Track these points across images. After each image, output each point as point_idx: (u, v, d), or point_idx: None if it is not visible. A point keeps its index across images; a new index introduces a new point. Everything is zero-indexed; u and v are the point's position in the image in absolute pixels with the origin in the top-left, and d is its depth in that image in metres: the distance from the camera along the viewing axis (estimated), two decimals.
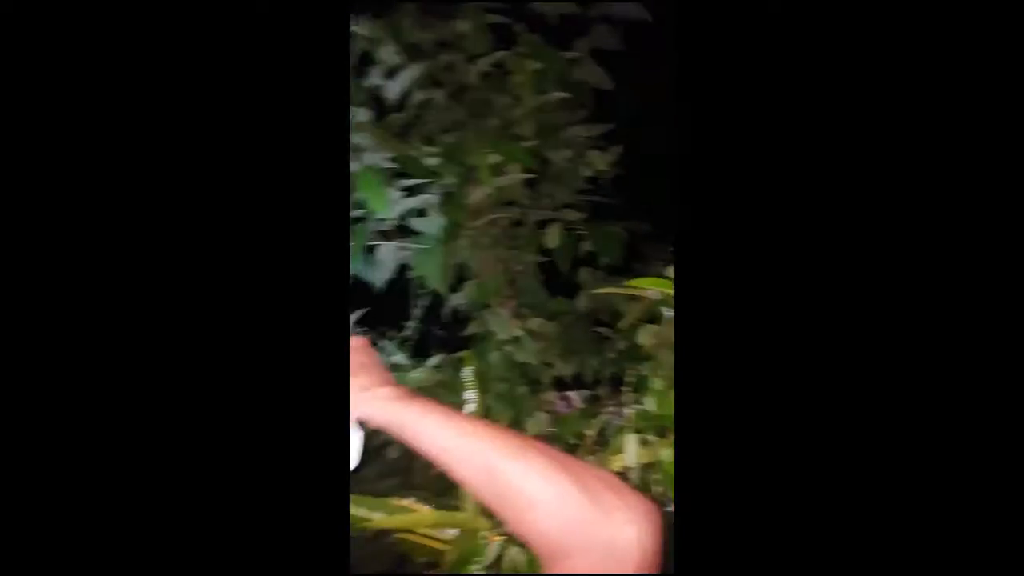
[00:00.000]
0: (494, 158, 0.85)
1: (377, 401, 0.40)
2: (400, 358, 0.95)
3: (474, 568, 0.62)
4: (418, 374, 0.93)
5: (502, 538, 0.63)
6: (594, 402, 0.91)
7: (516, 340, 0.89)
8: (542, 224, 0.99)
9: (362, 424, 0.42)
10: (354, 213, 0.88)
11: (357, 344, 0.44)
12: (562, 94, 0.93)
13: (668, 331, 0.77)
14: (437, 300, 1.02)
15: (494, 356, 0.91)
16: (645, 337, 0.78)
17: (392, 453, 0.92)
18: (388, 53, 0.95)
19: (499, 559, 0.64)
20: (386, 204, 0.80)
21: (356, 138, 0.92)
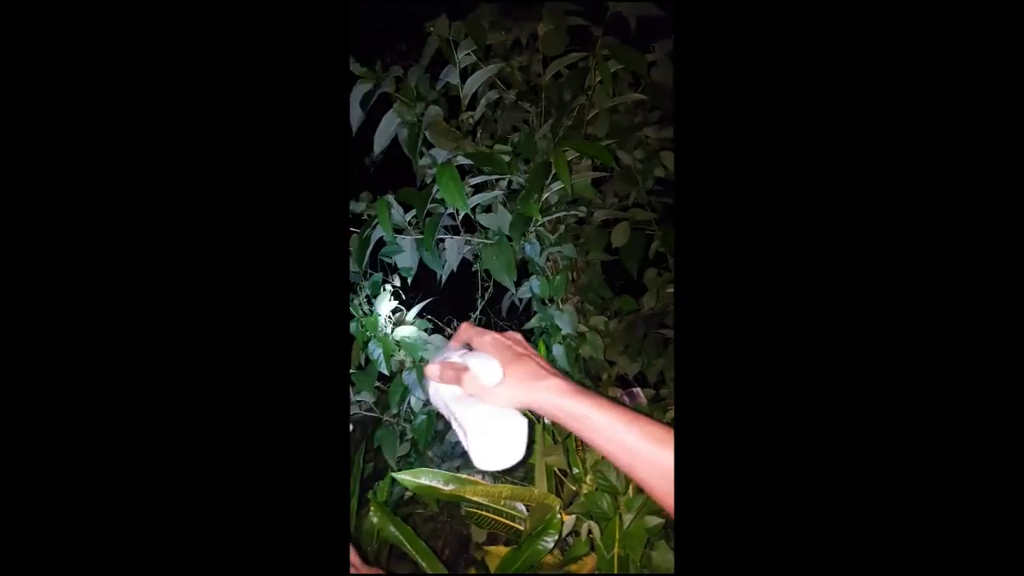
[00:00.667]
0: (569, 155, 0.86)
1: (549, 393, 0.40)
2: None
3: (547, 542, 0.62)
4: None
5: (573, 516, 0.63)
6: (657, 403, 0.90)
7: (581, 336, 0.89)
8: (610, 223, 1.00)
9: (529, 415, 0.42)
10: (429, 207, 0.91)
11: (514, 337, 0.45)
12: (638, 96, 0.93)
13: None
14: (499, 293, 1.04)
15: (557, 350, 0.91)
16: None
17: (453, 437, 0.94)
18: (464, 53, 0.98)
19: (571, 534, 0.64)
20: (464, 199, 0.82)
21: (428, 135, 0.95)
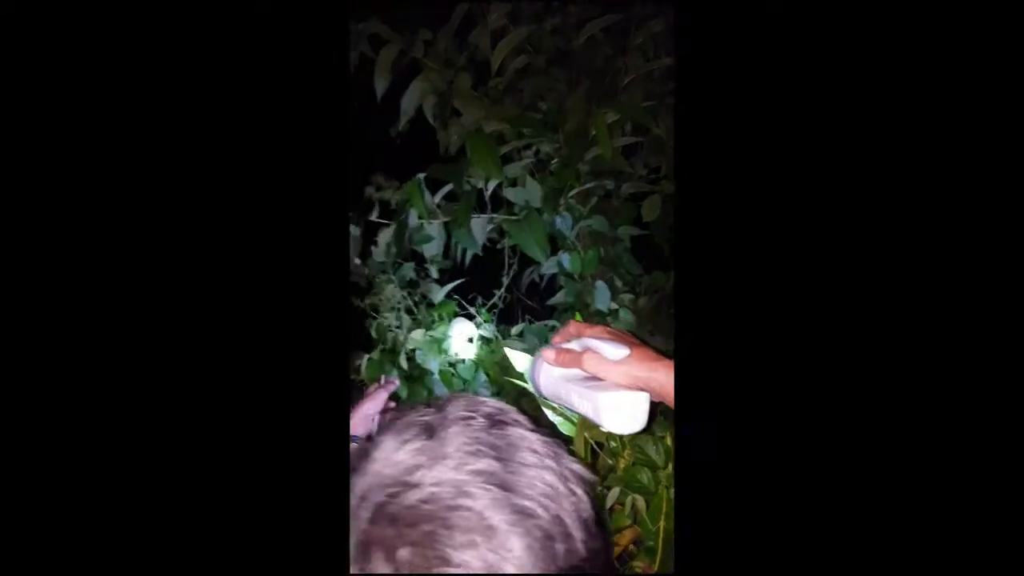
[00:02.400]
0: (608, 118, 0.82)
1: (668, 373, 0.43)
2: (489, 330, 0.95)
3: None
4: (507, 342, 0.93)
5: (616, 488, 0.63)
6: None
7: (613, 312, 0.88)
8: (639, 196, 0.97)
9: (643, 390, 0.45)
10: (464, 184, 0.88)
11: (621, 330, 0.50)
12: (666, 60, 0.89)
13: None
14: (521, 271, 1.02)
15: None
16: None
17: None
18: (493, 18, 0.93)
19: (614, 506, 0.64)
20: (499, 168, 0.80)
21: (457, 103, 0.92)
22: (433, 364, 0.81)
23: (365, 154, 0.89)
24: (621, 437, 0.69)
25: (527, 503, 0.29)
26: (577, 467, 0.32)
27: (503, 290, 0.97)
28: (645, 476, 0.63)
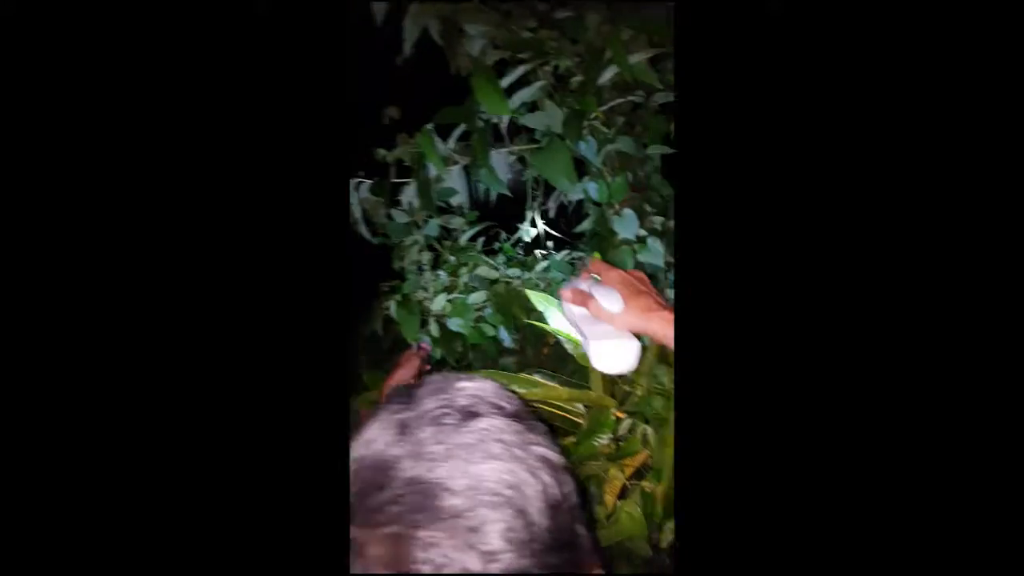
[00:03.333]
0: (625, 35, 0.74)
1: (661, 323, 0.49)
2: (513, 270, 0.94)
3: (601, 439, 0.66)
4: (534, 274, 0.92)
5: (628, 420, 0.66)
6: None
7: (642, 240, 0.85)
8: (668, 109, 0.90)
9: (640, 337, 0.51)
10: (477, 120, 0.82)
11: (639, 275, 0.54)
12: None
13: None
14: (548, 199, 0.98)
15: (614, 256, 0.88)
16: None
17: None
18: None
19: (627, 433, 0.67)
20: (505, 103, 0.74)
21: (463, 19, 0.84)
22: (455, 324, 0.82)
23: (372, 87, 0.84)
24: (639, 367, 0.71)
25: (492, 497, 0.30)
26: (547, 452, 0.33)
27: (528, 223, 0.94)
28: (659, 403, 0.65)
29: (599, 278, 0.56)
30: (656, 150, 0.88)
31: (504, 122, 0.88)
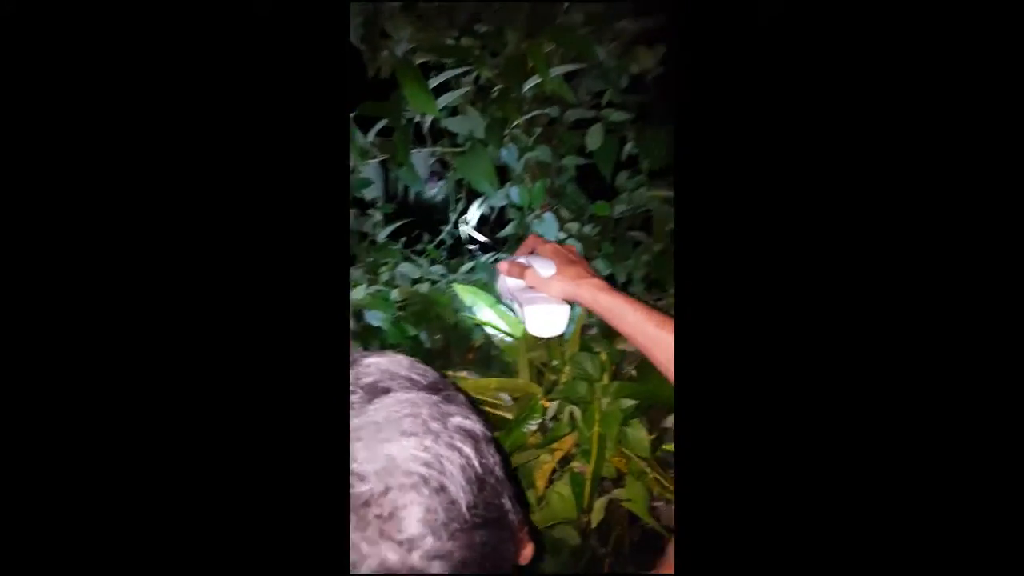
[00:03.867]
0: (545, 47, 0.80)
1: (590, 289, 0.53)
2: (437, 268, 0.94)
3: (530, 425, 0.69)
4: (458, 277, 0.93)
5: (555, 402, 0.69)
6: None
7: (561, 243, 0.89)
8: (581, 124, 0.96)
9: (572, 304, 0.56)
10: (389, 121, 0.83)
11: (570, 247, 0.60)
12: None
13: None
14: (468, 205, 1.00)
15: None
16: None
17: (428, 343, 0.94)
18: None
19: (554, 418, 0.70)
20: (432, 102, 0.76)
21: (387, 25, 0.85)
22: (375, 317, 0.80)
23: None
24: (562, 355, 0.74)
25: (405, 479, 0.28)
26: (466, 423, 0.31)
27: (451, 226, 0.95)
28: (583, 388, 0.68)
29: (534, 250, 0.61)
30: (571, 160, 0.94)
31: (426, 124, 0.89)
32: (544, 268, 0.56)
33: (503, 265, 0.60)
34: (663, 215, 0.90)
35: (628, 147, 0.95)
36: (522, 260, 0.60)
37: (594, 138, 0.94)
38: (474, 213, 0.96)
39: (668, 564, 0.45)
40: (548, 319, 0.55)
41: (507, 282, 0.61)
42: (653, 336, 0.50)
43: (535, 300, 0.56)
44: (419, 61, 0.85)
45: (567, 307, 0.56)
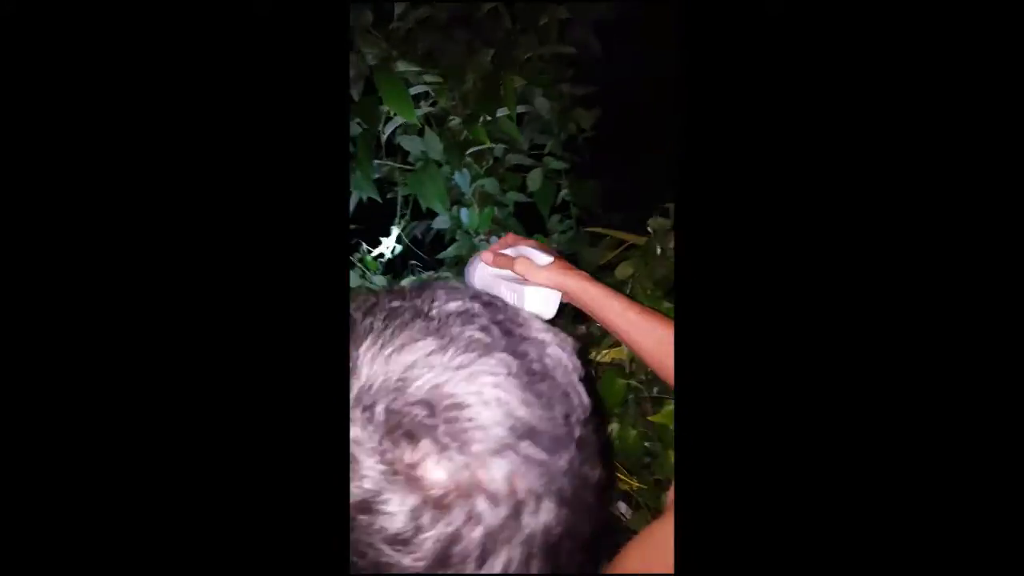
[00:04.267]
0: (516, 83, 0.88)
1: (578, 279, 0.57)
2: (377, 278, 0.92)
3: None
4: None
5: None
6: None
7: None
8: (522, 168, 1.05)
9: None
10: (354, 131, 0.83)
11: (548, 246, 0.62)
12: (564, 47, 0.99)
13: (640, 267, 0.89)
14: (415, 222, 1.01)
15: None
16: (623, 271, 0.90)
17: None
18: None
19: None
20: (412, 109, 0.78)
21: (358, 40, 0.87)
22: None
23: None
24: None
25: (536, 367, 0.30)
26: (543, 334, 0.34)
27: (394, 239, 0.94)
28: None
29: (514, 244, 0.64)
30: (514, 196, 1.01)
31: (384, 136, 0.90)
32: (540, 257, 0.60)
33: (486, 255, 0.62)
34: (592, 257, 1.00)
35: (563, 193, 1.05)
36: (509, 252, 0.62)
37: (534, 180, 1.03)
38: (390, 241, 0.96)
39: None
40: (545, 301, 0.59)
41: (487, 271, 0.62)
42: (633, 321, 0.55)
43: (531, 286, 0.59)
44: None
45: (559, 294, 0.59)
